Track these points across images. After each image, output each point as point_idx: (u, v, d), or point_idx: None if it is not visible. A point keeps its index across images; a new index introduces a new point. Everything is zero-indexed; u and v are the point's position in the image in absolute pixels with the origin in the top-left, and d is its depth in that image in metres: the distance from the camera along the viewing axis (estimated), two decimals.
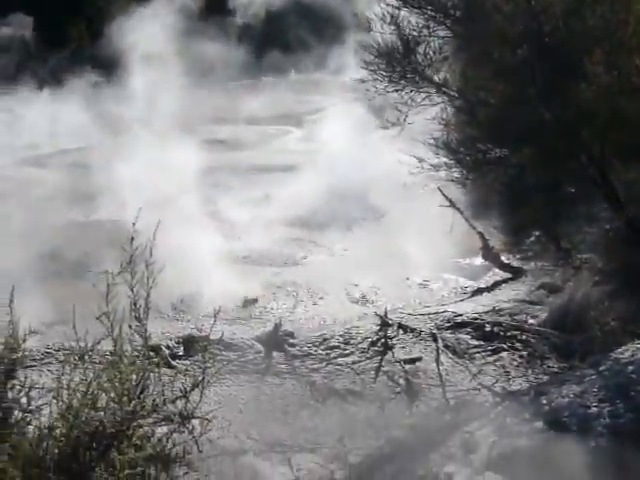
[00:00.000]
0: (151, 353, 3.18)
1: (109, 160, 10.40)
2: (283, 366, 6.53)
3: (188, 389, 2.92)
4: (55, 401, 2.86)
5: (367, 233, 9.62)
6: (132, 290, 2.96)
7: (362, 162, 11.40)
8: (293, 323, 7.22)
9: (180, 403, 2.91)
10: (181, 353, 6.58)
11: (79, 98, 15.36)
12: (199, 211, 9.02)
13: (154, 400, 2.79)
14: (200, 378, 2.99)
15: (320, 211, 10.53)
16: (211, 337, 6.47)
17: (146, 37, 13.83)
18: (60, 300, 7.44)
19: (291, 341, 6.80)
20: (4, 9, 21.72)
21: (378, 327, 7.00)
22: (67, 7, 23.05)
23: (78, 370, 2.94)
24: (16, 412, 2.98)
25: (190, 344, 6.62)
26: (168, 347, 6.64)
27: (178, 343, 6.75)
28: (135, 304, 2.95)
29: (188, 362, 6.36)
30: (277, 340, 6.75)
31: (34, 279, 7.60)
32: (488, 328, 7.02)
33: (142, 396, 2.78)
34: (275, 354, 6.64)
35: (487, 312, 7.41)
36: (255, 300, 7.86)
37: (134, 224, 3.07)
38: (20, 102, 16.37)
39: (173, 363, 6.24)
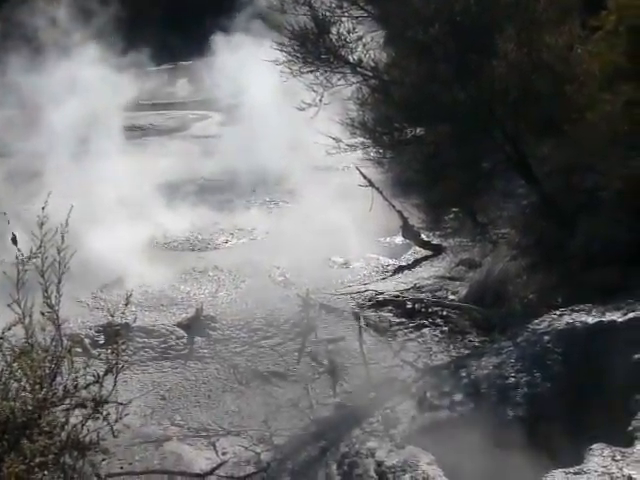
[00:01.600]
0: (67, 342, 3.11)
1: None
2: (206, 351, 6.48)
3: (101, 374, 2.87)
4: None
5: (288, 215, 9.61)
6: (43, 276, 2.89)
7: (280, 144, 11.38)
8: (215, 307, 7.17)
9: (94, 389, 2.86)
10: (102, 342, 6.46)
11: None
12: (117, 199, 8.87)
13: (65, 387, 2.73)
14: (113, 363, 2.93)
15: (240, 195, 10.50)
16: (131, 324, 6.50)
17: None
18: None
19: (213, 325, 6.76)
20: None
21: (300, 308, 7.02)
22: None
23: None
24: None
25: (111, 332, 6.51)
26: (88, 336, 6.53)
27: (99, 332, 6.65)
28: (47, 291, 2.88)
29: (109, 351, 6.25)
30: (199, 325, 6.71)
31: None
32: (409, 305, 7.11)
33: (54, 384, 2.72)
34: (197, 339, 6.60)
35: (408, 289, 7.49)
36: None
37: (43, 208, 2.98)
38: None
39: (94, 352, 6.13)
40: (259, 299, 7.33)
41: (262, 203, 10.34)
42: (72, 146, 10.36)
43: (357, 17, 6.72)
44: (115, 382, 2.96)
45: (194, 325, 6.70)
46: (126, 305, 3.29)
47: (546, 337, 5.38)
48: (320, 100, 6.55)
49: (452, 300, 7.27)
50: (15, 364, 2.73)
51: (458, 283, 7.62)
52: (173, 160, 11.85)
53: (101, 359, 3.10)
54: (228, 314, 7.03)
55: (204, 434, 5.43)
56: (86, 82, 12.00)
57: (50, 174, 9.46)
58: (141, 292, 7.48)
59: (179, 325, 6.75)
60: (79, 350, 5.81)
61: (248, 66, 13.12)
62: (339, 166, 10.60)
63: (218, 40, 16.43)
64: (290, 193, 10.33)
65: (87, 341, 6.38)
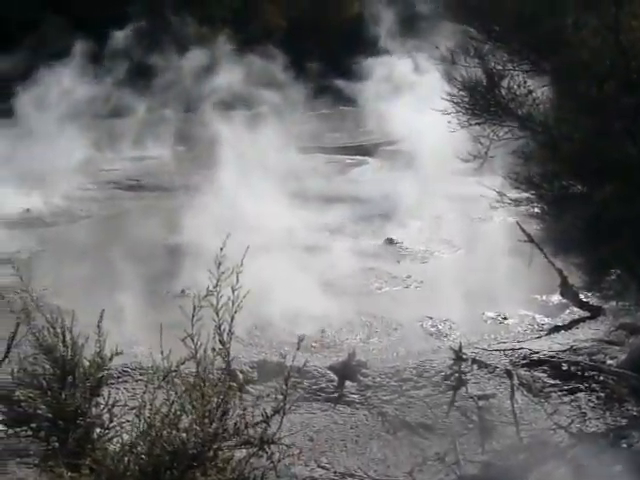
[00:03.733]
0: (238, 378, 3.21)
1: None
2: (355, 396, 6.50)
3: (269, 414, 2.94)
4: (137, 419, 2.91)
5: (443, 265, 9.57)
6: (217, 314, 3.01)
7: (439, 194, 11.43)
8: (367, 353, 7.20)
9: (260, 428, 2.92)
10: (255, 378, 6.60)
11: None
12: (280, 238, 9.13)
13: (236, 423, 2.81)
14: (281, 404, 3.00)
15: (396, 243, 10.55)
16: (286, 364, 6.60)
17: None
18: (139, 320, 7.64)
19: (364, 371, 6.77)
20: None
21: (452, 361, 6.92)
22: None
23: (161, 390, 2.98)
24: (98, 429, 3.05)
25: (264, 369, 6.65)
26: (242, 372, 6.68)
27: (252, 368, 6.80)
28: (219, 327, 2.99)
29: (262, 387, 6.39)
30: (350, 370, 6.74)
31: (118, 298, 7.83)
32: (565, 367, 6.88)
33: (224, 419, 2.80)
34: (348, 384, 6.63)
35: (564, 351, 7.26)
36: None
37: (221, 249, 3.12)
38: None
39: (247, 387, 6.27)
40: (410, 348, 7.31)
41: (417, 252, 10.35)
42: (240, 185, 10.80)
43: (527, 71, 6.66)
44: (281, 423, 3.03)
45: (345, 369, 6.74)
46: (298, 347, 3.35)
47: None
48: (486, 153, 6.51)
49: (610, 365, 6.98)
50: (186, 397, 2.84)
51: (617, 348, 7.31)
52: (329, 204, 12.08)
53: (267, 398, 3.16)
54: (379, 361, 7.03)
55: (349, 479, 5.43)
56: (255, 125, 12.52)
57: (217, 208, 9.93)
58: (296, 332, 7.62)
59: (331, 368, 6.81)
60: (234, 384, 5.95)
61: (410, 113, 13.28)
62: (497, 219, 10.51)
63: (375, 85, 16.76)
64: (446, 243, 10.31)
65: (241, 376, 6.52)
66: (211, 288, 2.96)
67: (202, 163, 13.76)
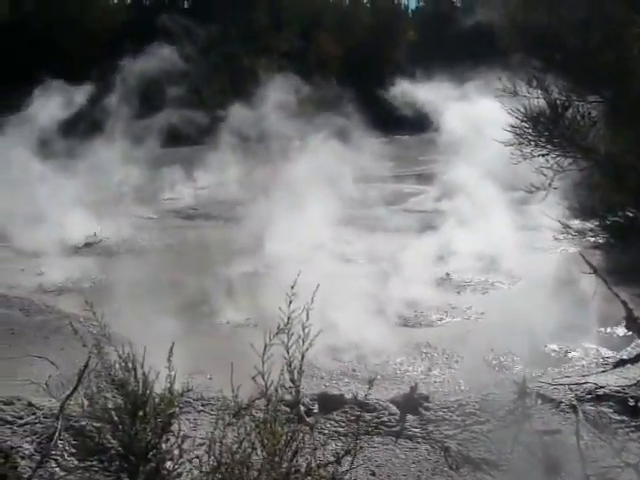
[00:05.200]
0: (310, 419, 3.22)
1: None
2: (417, 430, 6.42)
3: (340, 454, 2.92)
4: (207, 455, 2.92)
5: (504, 297, 9.46)
6: (287, 351, 3.01)
7: (500, 224, 11.33)
8: (428, 386, 7.13)
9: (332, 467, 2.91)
10: (315, 410, 6.58)
11: None
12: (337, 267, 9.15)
13: (309, 463, 2.80)
14: (352, 445, 2.98)
15: (456, 273, 10.48)
16: (346, 396, 6.59)
17: None
18: (199, 350, 7.70)
19: (426, 404, 6.70)
20: None
21: (516, 395, 6.81)
22: None
23: (231, 426, 2.99)
24: (168, 463, 3.06)
25: (325, 402, 6.63)
26: (303, 404, 6.67)
27: (312, 400, 6.78)
28: (290, 365, 2.99)
29: (322, 420, 6.36)
30: (412, 403, 6.67)
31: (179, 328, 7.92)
32: (632, 403, 6.71)
33: (295, 458, 2.80)
34: (409, 417, 6.56)
35: (630, 385, 7.08)
36: None
37: (292, 287, 3.13)
38: None
39: (307, 419, 6.25)
40: (473, 381, 7.21)
41: (477, 283, 10.25)
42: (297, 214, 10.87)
43: (592, 102, 6.59)
44: (352, 463, 3.00)
45: (407, 403, 6.67)
46: (370, 388, 3.34)
47: None
48: (549, 184, 6.44)
49: None
50: (256, 434, 2.85)
51: None
52: (388, 234, 12.07)
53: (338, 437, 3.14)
54: (441, 394, 6.95)
55: None
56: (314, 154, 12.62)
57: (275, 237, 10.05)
58: (356, 363, 7.61)
59: (392, 401, 6.75)
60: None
61: (468, 142, 13.25)
62: (558, 250, 10.38)
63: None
64: (507, 274, 10.21)
65: (302, 409, 6.51)
66: (281, 325, 2.97)
67: (260, 192, 13.87)
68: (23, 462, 4.59)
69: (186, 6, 39.21)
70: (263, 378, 2.96)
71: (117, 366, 3.11)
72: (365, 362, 7.77)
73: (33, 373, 7.68)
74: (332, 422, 6.02)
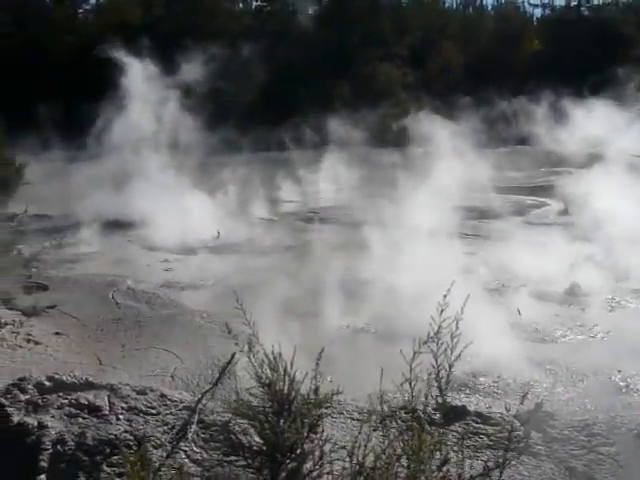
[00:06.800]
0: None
1: None
2: (541, 447, 6.28)
3: (490, 467, 2.90)
4: (349, 458, 2.95)
5: (632, 316, 9.16)
6: (436, 360, 3.02)
7: (627, 240, 11.02)
8: (552, 404, 6.96)
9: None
10: (437, 420, 6.53)
11: None
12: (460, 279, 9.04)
13: (460, 475, 2.79)
14: (502, 459, 2.95)
15: (581, 288, 10.22)
16: (469, 408, 6.52)
17: None
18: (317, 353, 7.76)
19: (551, 422, 6.55)
20: None
21: None
22: None
23: (376, 431, 3.01)
24: (309, 463, 3.11)
25: (446, 412, 6.57)
26: (425, 412, 6.63)
27: (435, 410, 6.73)
28: (438, 374, 3.00)
29: (442, 430, 6.30)
30: (537, 420, 6.53)
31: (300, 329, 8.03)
32: None
33: (444, 469, 2.80)
34: (534, 434, 6.42)
35: None
36: None
37: (445, 296, 3.13)
38: None
39: (428, 428, 6.21)
40: (599, 402, 7.01)
41: (604, 300, 9.95)
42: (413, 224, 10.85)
43: None
44: (500, 476, 2.98)
45: (532, 419, 6.54)
46: (522, 403, 3.29)
47: None
48: None
49: None
50: (400, 442, 2.86)
51: None
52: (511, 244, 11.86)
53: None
54: (565, 413, 6.78)
55: None
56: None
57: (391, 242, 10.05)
58: (478, 376, 7.53)
59: (516, 416, 6.63)
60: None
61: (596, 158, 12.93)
62: None
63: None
64: (634, 292, 9.90)
65: (423, 417, 6.48)
66: (432, 334, 2.97)
67: (381, 199, 13.91)
68: (155, 451, 4.75)
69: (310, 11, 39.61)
70: (410, 385, 2.97)
71: (265, 366, 3.18)
72: (486, 375, 7.66)
73: (159, 365, 7.92)
74: (454, 434, 5.96)
